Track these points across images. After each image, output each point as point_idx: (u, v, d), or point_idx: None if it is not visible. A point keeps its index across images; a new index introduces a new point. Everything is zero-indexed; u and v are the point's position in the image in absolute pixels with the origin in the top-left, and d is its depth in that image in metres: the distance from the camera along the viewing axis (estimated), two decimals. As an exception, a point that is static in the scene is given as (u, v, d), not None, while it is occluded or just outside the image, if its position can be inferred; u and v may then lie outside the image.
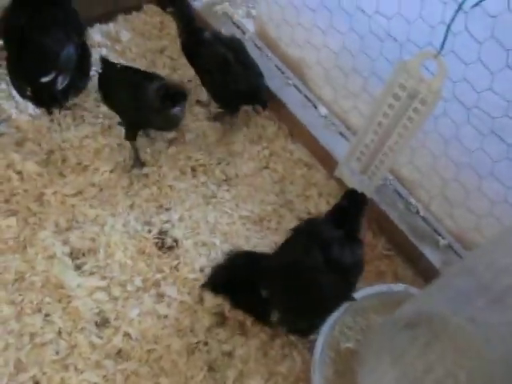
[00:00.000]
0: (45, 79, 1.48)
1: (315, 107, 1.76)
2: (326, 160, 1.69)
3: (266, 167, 1.72)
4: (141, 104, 1.49)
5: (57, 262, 1.41)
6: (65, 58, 1.51)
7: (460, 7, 1.06)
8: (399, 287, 1.36)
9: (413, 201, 1.56)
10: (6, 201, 1.51)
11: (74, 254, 1.44)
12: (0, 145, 1.60)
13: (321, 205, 1.63)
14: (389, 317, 1.20)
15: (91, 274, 1.41)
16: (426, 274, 1.47)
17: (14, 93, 1.71)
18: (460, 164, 1.38)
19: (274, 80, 1.81)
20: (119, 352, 1.30)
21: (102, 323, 1.34)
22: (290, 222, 1.56)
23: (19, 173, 1.56)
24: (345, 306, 1.31)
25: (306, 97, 1.79)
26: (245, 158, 1.72)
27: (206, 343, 1.34)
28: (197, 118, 1.79)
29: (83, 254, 1.45)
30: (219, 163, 1.70)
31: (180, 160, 1.68)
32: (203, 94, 1.81)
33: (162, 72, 1.83)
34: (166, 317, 1.37)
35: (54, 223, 1.48)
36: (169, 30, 2.00)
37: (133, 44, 1.95)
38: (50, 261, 1.41)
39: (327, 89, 1.74)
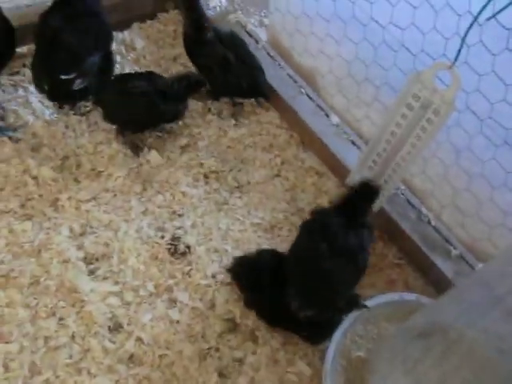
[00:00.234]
0: (64, 76, 1.57)
1: (327, 116, 1.78)
2: (338, 168, 1.70)
3: (278, 175, 1.73)
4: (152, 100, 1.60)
5: (71, 267, 1.42)
6: (88, 64, 1.60)
7: (475, 20, 1.07)
8: (411, 296, 1.37)
9: (424, 210, 1.56)
10: (22, 205, 1.53)
11: (87, 259, 1.46)
12: (17, 150, 1.63)
13: (332, 213, 1.64)
14: (401, 325, 1.20)
15: (104, 278, 1.43)
16: (436, 283, 1.48)
17: (32, 98, 1.74)
18: (472, 174, 1.38)
19: (287, 89, 1.83)
20: (131, 357, 1.32)
21: (115, 328, 1.35)
22: (301, 230, 1.56)
23: (35, 178, 1.58)
24: (356, 314, 1.32)
25: (318, 105, 1.80)
26: (257, 166, 1.73)
27: (217, 349, 1.35)
28: (209, 125, 1.81)
29: (97, 259, 1.46)
30: (231, 170, 1.71)
31: (193, 167, 1.70)
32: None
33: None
34: (177, 322, 1.38)
35: (68, 228, 1.50)
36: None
37: (147, 52, 1.98)
38: (64, 265, 1.43)
39: (339, 98, 1.75)
